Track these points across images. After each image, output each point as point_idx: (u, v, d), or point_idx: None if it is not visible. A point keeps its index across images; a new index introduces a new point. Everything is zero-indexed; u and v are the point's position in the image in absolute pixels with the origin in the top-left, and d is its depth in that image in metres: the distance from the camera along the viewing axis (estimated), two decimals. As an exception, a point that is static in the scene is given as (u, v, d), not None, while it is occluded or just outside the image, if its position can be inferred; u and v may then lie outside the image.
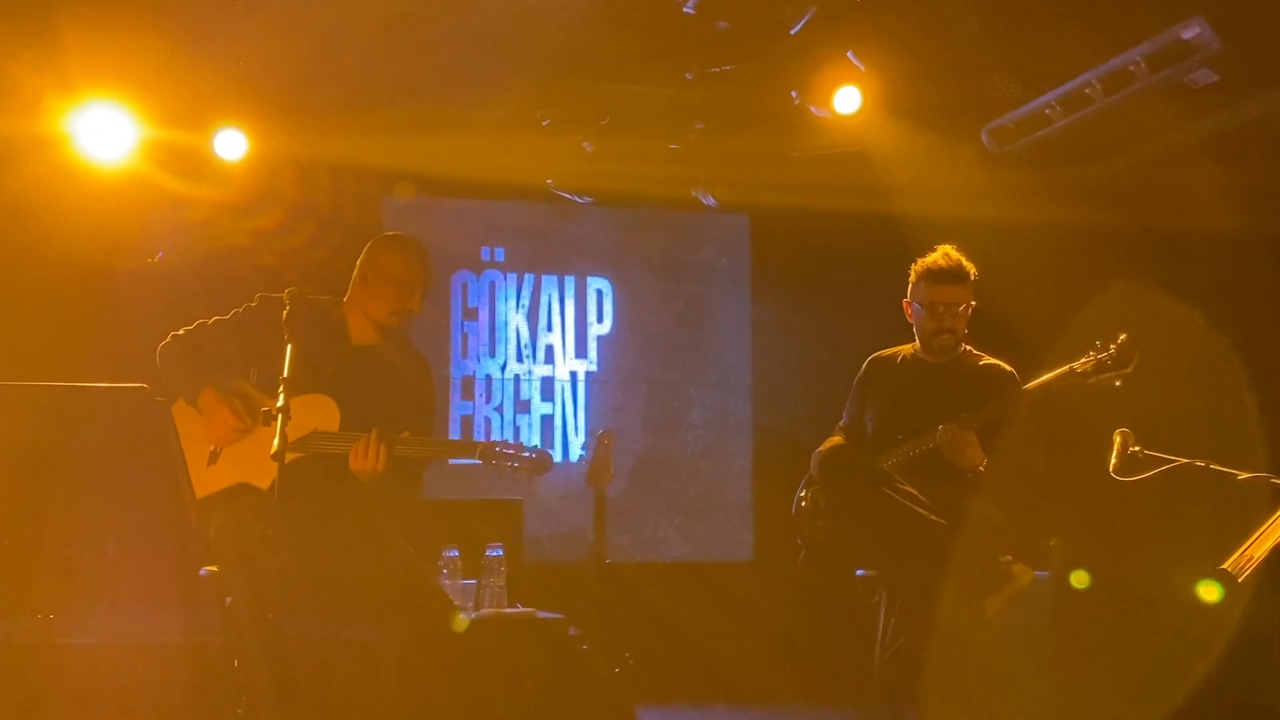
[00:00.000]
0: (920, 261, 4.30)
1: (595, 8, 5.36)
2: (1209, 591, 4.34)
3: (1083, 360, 3.98)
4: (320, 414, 3.79)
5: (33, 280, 5.84)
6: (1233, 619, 4.45)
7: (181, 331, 3.98)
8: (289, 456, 3.39)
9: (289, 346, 3.56)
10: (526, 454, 3.80)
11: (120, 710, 4.00)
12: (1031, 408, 4.09)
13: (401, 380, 4.01)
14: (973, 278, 4.26)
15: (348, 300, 4.05)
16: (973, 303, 4.27)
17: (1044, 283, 5.90)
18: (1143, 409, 4.10)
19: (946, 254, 4.26)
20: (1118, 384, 3.91)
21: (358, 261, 4.07)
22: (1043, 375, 4.08)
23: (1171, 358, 4.62)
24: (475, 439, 6.93)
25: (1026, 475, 4.08)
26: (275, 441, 3.37)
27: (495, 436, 6.94)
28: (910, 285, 4.32)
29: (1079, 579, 5.12)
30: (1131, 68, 5.25)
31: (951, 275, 4.21)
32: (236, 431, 3.82)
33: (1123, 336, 3.92)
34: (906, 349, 4.42)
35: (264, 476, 3.70)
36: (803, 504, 4.40)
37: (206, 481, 3.82)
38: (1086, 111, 5.56)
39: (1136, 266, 5.74)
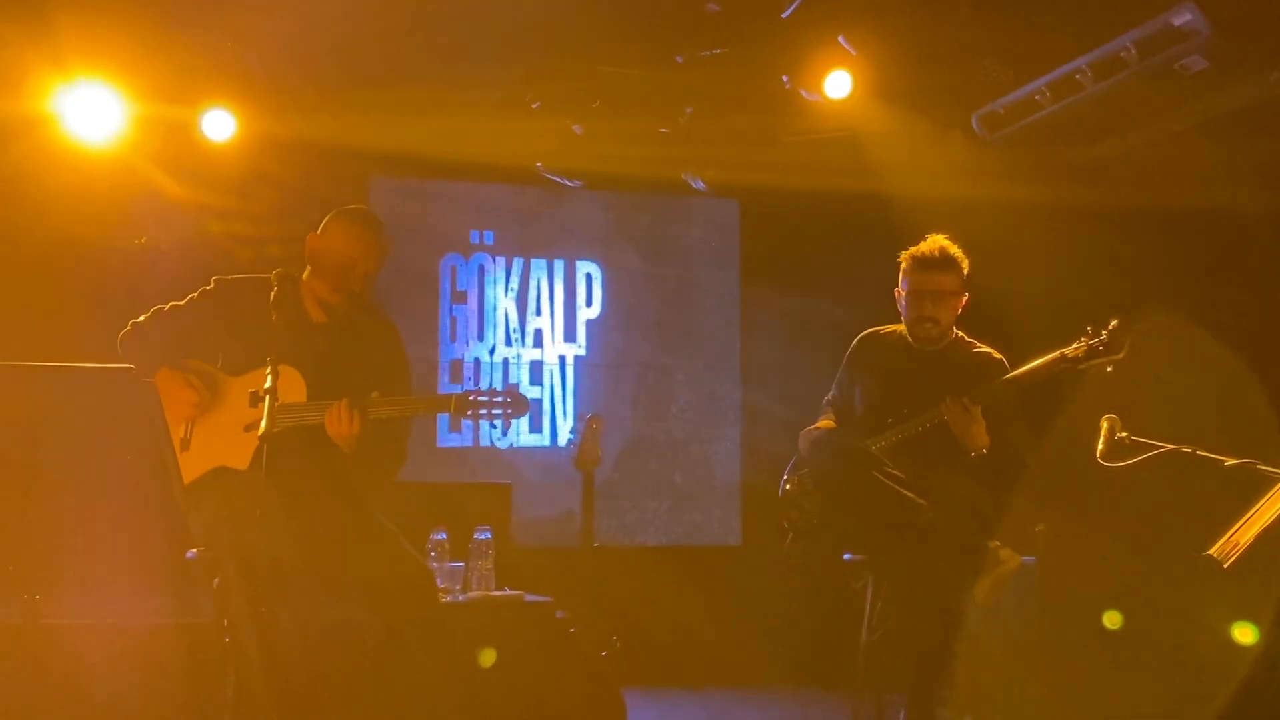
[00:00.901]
0: (909, 249, 4.30)
1: (585, -10, 5.35)
2: (1244, 634, 4.38)
3: (1074, 345, 3.97)
4: (287, 386, 3.74)
5: (19, 260, 5.82)
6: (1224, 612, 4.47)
7: (141, 319, 3.94)
8: (258, 433, 3.39)
9: (276, 326, 3.55)
10: (500, 399, 3.75)
11: (107, 691, 3.99)
12: (1022, 393, 4.09)
13: (366, 349, 3.96)
14: (963, 268, 4.23)
15: (304, 278, 3.99)
16: (964, 295, 4.25)
17: (1035, 267, 5.90)
18: (1129, 394, 4.11)
19: (934, 242, 4.25)
20: (1109, 369, 3.91)
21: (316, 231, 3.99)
22: (1034, 360, 4.08)
23: (1162, 344, 4.62)
24: (462, 423, 6.93)
25: (1009, 458, 4.08)
26: (263, 423, 3.37)
27: (484, 421, 6.92)
28: (900, 272, 4.33)
29: (1111, 619, 5.13)
30: (1122, 54, 5.25)
31: (935, 263, 4.20)
32: (192, 406, 3.79)
33: (1114, 322, 3.92)
34: (899, 328, 4.41)
35: (239, 457, 3.69)
36: (788, 488, 4.40)
37: (184, 469, 3.80)
38: (1077, 98, 5.56)
39: (1127, 250, 5.75)
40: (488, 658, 3.84)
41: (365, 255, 3.88)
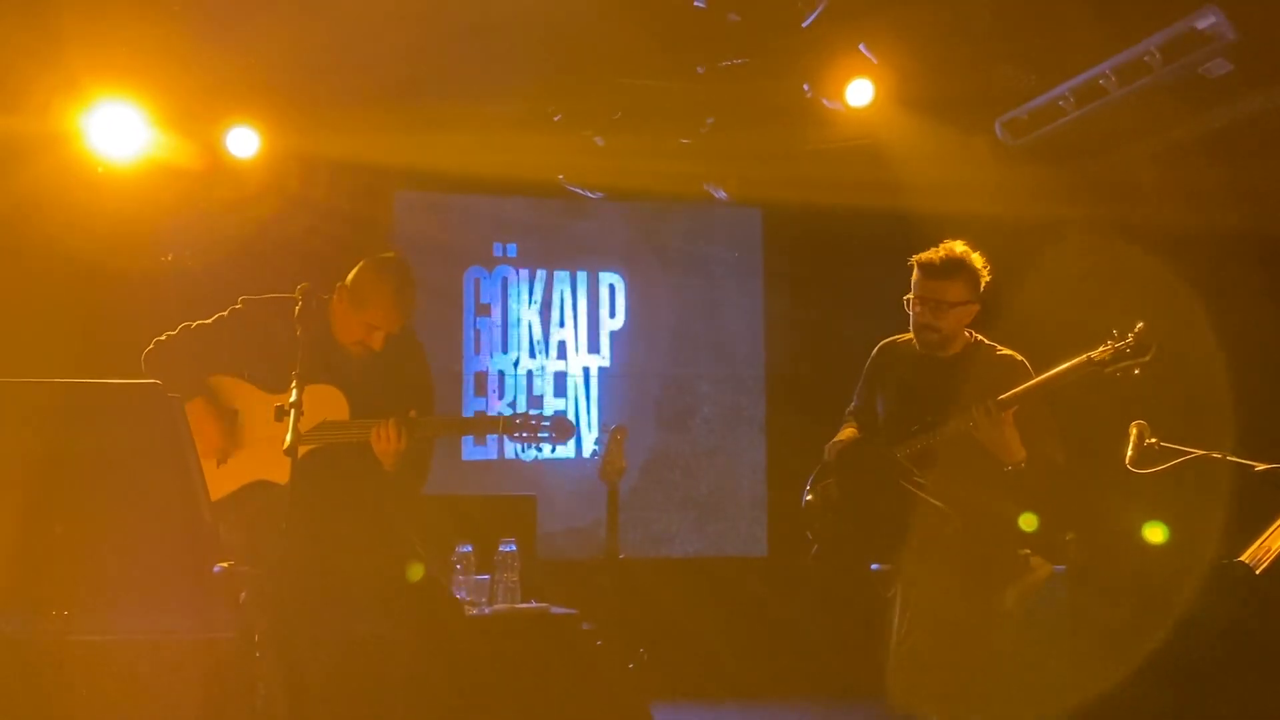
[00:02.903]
0: (918, 255, 4.19)
1: (606, 2, 5.35)
2: (1154, 534, 4.32)
3: (1100, 349, 3.91)
4: (328, 404, 3.80)
5: (46, 277, 5.86)
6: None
7: (164, 337, 3.96)
8: (301, 449, 3.39)
9: (301, 341, 3.56)
10: (547, 423, 3.84)
11: (134, 706, 4.00)
12: (1048, 398, 4.04)
13: (395, 369, 3.98)
14: (974, 276, 4.12)
15: (333, 305, 3.99)
16: (972, 305, 4.15)
17: (1058, 277, 5.86)
18: (1160, 401, 4.07)
19: (941, 249, 4.13)
20: (1136, 373, 3.85)
21: (348, 276, 3.98)
22: (1060, 365, 4.02)
23: (1185, 350, 4.57)
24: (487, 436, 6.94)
25: (1045, 468, 4.04)
26: (288, 437, 3.37)
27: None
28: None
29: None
30: (1145, 58, 5.23)
31: (938, 271, 4.09)
32: (214, 449, 3.82)
33: (1140, 325, 3.86)
34: (918, 335, 4.38)
35: (280, 471, 3.70)
36: (810, 499, 4.37)
37: (219, 483, 3.82)
38: (1100, 103, 5.53)
39: (1150, 260, 5.70)
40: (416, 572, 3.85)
41: (386, 322, 3.88)
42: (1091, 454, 4.36)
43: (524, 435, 3.83)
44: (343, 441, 3.79)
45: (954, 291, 4.10)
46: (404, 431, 3.72)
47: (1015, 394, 3.98)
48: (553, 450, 3.95)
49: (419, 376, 4.06)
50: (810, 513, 4.36)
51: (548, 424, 3.82)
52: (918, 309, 4.15)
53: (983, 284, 4.16)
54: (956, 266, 4.10)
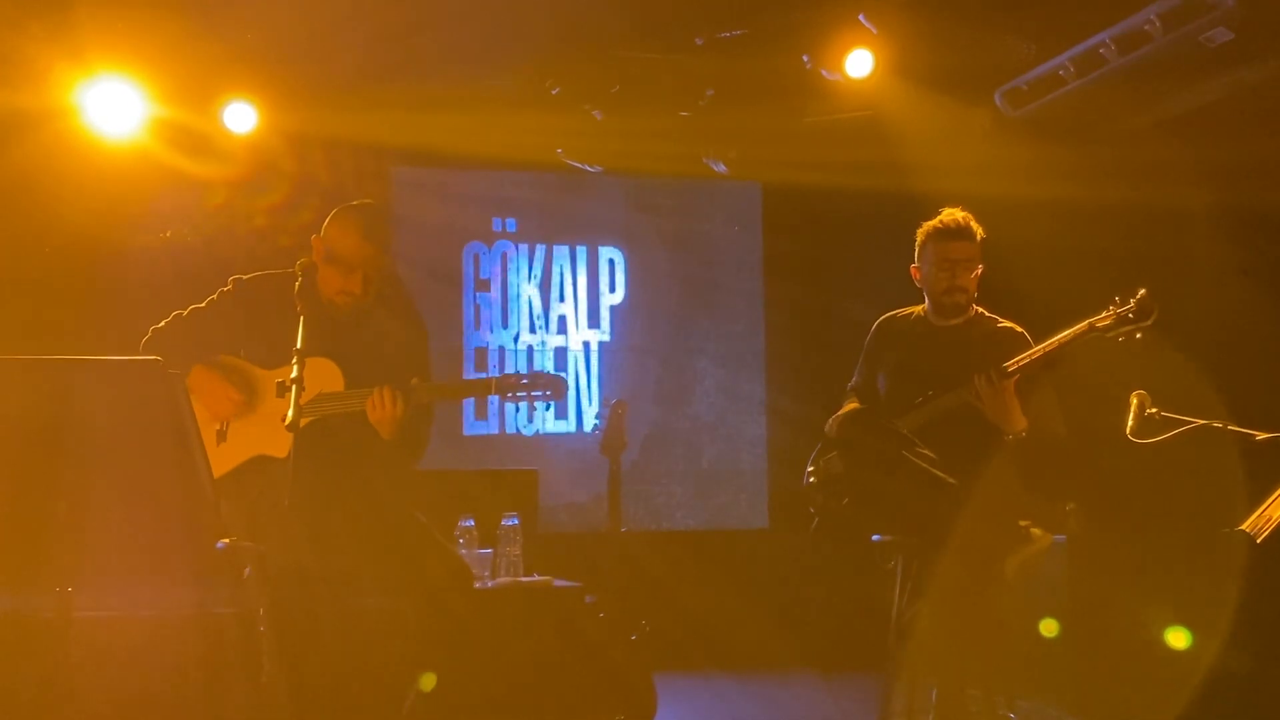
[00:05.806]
0: (926, 224, 4.27)
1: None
2: (1177, 639, 4.35)
3: (1102, 315, 3.91)
4: (323, 376, 3.79)
5: (45, 254, 5.86)
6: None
7: (161, 324, 3.96)
8: (301, 422, 3.40)
9: (300, 318, 3.55)
10: (541, 381, 3.84)
11: (137, 682, 4.02)
12: (1049, 367, 4.04)
13: (391, 333, 3.98)
14: (980, 239, 4.22)
15: (317, 263, 3.94)
16: (980, 266, 4.23)
17: (1059, 250, 5.84)
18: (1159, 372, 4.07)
19: (953, 214, 4.23)
20: (1139, 337, 3.85)
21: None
22: (1062, 332, 4.02)
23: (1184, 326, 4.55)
24: (489, 403, 6.96)
25: (1046, 437, 4.05)
26: (289, 413, 3.37)
27: (509, 408, 6.96)
28: (918, 247, 4.29)
29: (1048, 628, 5.14)
30: (1146, 26, 5.20)
31: (960, 232, 4.19)
32: (235, 403, 3.82)
33: (1142, 291, 3.86)
34: (918, 309, 4.38)
35: (280, 446, 3.71)
36: (811, 478, 4.37)
37: (220, 460, 3.82)
38: (1101, 72, 5.51)
39: (1153, 234, 5.69)
40: (428, 682, 3.83)
41: (362, 260, 3.84)
42: (1093, 424, 4.36)
43: (517, 395, 3.83)
44: (340, 412, 3.78)
45: (975, 250, 4.21)
46: (399, 397, 3.71)
47: (1018, 362, 3.98)
48: (548, 408, 3.94)
49: (412, 339, 4.05)
50: (813, 487, 4.36)
51: (542, 381, 3.82)
52: (945, 272, 4.18)
53: None
54: (970, 226, 4.22)
